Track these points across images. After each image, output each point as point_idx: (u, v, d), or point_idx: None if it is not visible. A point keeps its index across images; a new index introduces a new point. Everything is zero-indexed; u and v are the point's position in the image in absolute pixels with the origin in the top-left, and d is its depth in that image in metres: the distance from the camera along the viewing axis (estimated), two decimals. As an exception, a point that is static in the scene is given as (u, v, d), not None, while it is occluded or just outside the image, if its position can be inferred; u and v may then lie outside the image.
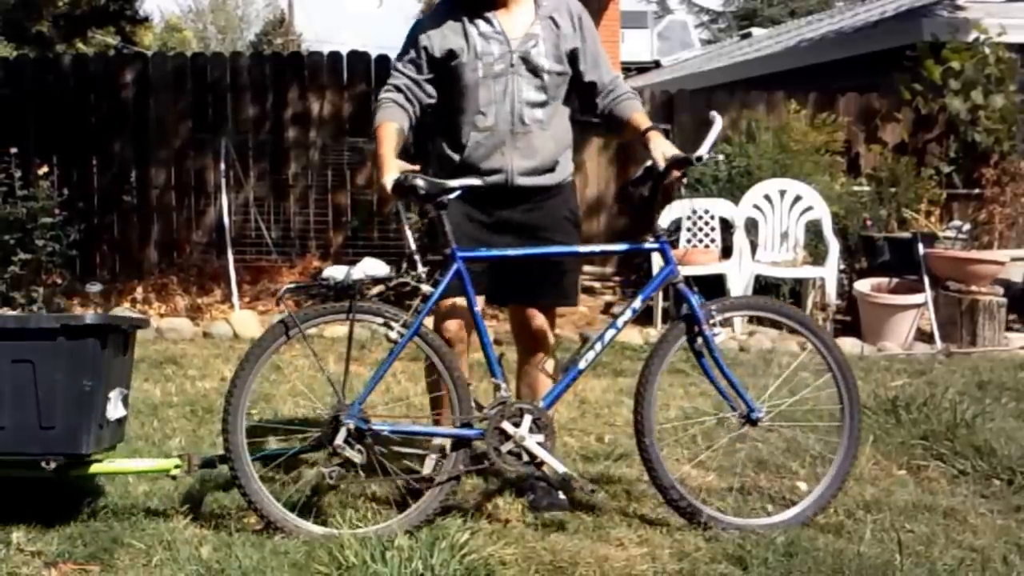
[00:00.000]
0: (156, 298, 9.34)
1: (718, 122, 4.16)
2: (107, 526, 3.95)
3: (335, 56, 10.89)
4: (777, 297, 9.45)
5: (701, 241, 9.35)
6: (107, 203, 10.38)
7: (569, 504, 4.22)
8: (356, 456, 3.87)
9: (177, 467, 4.13)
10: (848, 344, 8.07)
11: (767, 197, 9.32)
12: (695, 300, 4.13)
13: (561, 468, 4.01)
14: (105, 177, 10.40)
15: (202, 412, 5.74)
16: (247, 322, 8.21)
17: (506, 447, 3.94)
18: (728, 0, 37.82)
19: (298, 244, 10.28)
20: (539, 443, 3.95)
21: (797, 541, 3.78)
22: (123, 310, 8.62)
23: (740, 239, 8.98)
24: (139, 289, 9.47)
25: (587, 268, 10.35)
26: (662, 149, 4.08)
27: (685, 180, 4.18)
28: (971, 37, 10.87)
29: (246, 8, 51.19)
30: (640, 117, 4.30)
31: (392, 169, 3.97)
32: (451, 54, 4.13)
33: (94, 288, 9.34)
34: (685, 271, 8.89)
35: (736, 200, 9.38)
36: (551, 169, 4.30)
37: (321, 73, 10.72)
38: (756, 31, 25.83)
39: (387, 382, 6.27)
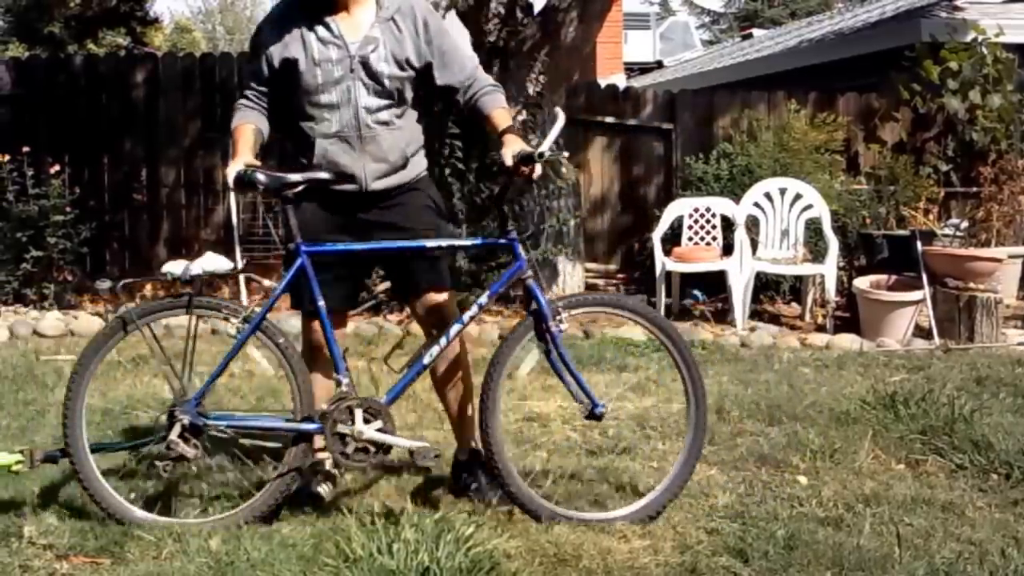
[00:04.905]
0: (165, 295, 9.37)
1: (560, 118, 4.09)
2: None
3: (340, 56, 10.93)
4: (777, 294, 9.56)
5: (703, 239, 9.43)
6: (117, 201, 10.43)
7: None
8: (189, 452, 3.90)
9: (19, 463, 4.21)
10: (847, 340, 8.12)
11: (768, 195, 9.38)
12: (543, 297, 4.06)
13: (407, 443, 4.02)
14: (116, 176, 10.46)
15: (209, 407, 5.78)
16: (253, 319, 8.22)
17: (350, 447, 3.96)
18: (730, 1, 37.73)
19: (304, 242, 10.31)
20: (379, 429, 3.97)
21: (797, 534, 3.83)
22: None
23: (741, 237, 9.03)
24: (148, 286, 9.52)
25: (591, 266, 10.42)
26: (511, 149, 4.05)
27: (535, 176, 4.13)
28: (969, 37, 10.91)
29: (254, 9, 50.95)
30: (500, 115, 4.24)
31: (238, 162, 3.96)
32: (289, 63, 4.08)
33: (104, 285, 9.39)
34: (687, 268, 9.07)
35: (737, 198, 9.44)
36: (403, 167, 4.22)
37: (327, 73, 10.74)
38: (757, 32, 25.79)
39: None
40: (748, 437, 5.27)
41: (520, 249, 4.11)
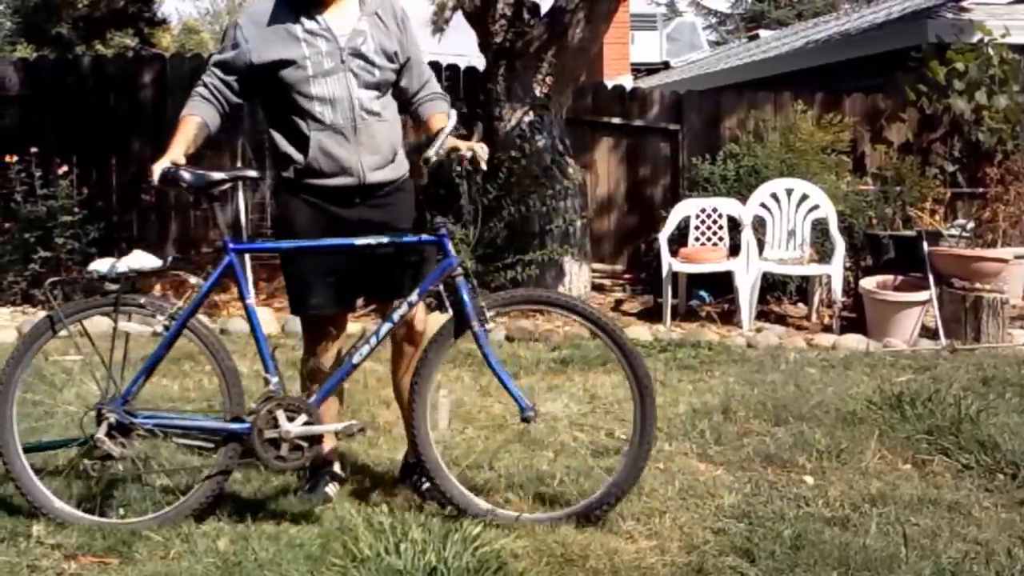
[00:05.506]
0: (174, 295, 9.41)
1: (452, 119, 4.08)
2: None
3: (346, 56, 10.94)
4: (784, 294, 9.56)
5: (709, 240, 9.43)
6: (126, 202, 10.43)
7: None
8: (116, 450, 3.92)
9: None
10: (853, 340, 8.11)
11: (774, 196, 9.39)
12: (468, 297, 4.00)
13: (334, 427, 4.06)
14: (124, 176, 10.42)
15: (219, 407, 5.78)
16: (263, 318, 8.12)
17: (284, 449, 3.94)
18: (736, 2, 37.76)
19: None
20: (305, 423, 3.95)
21: (804, 534, 3.85)
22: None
23: (748, 237, 9.04)
24: (157, 286, 9.54)
25: (597, 267, 10.42)
26: (435, 147, 4.04)
27: (423, 177, 4.14)
28: (975, 38, 10.93)
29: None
30: (437, 119, 4.28)
31: (165, 159, 3.95)
32: (276, 57, 4.08)
33: (112, 286, 9.41)
34: (694, 269, 9.08)
35: (744, 199, 9.45)
36: (392, 160, 4.26)
37: (333, 73, 10.75)
38: (764, 33, 25.79)
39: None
40: (754, 437, 5.28)
41: (450, 246, 4.05)
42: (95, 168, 10.21)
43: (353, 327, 6.79)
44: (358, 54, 4.12)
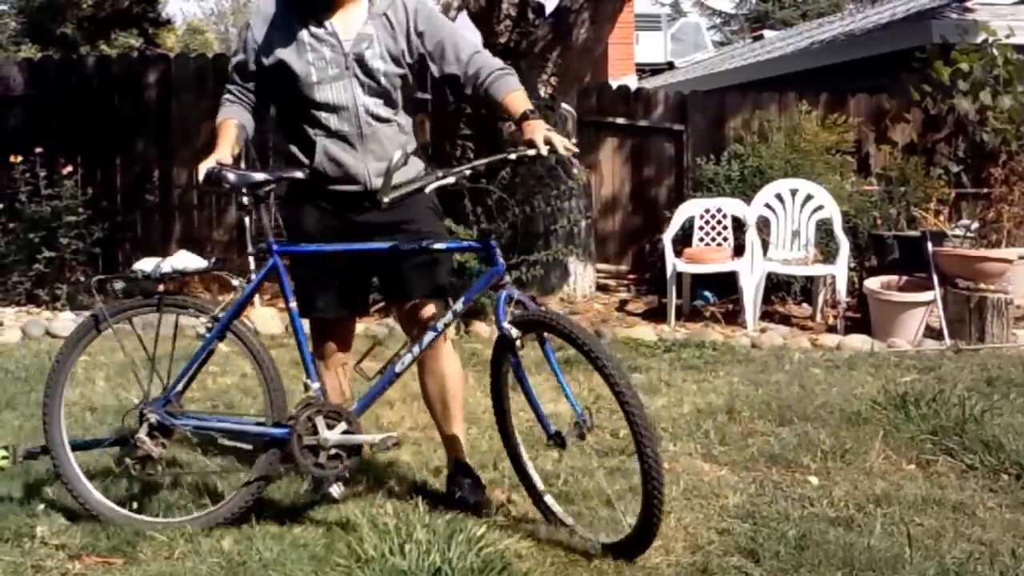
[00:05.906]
0: (178, 295, 9.40)
1: (396, 155, 3.79)
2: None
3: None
4: (788, 295, 9.56)
5: (714, 240, 9.42)
6: (130, 202, 10.42)
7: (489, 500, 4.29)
8: (155, 450, 3.91)
9: (4, 458, 4.35)
10: (858, 341, 8.10)
11: (779, 196, 9.37)
12: (501, 314, 3.85)
13: (371, 438, 3.96)
14: (128, 176, 10.45)
15: (223, 408, 5.79)
16: (267, 319, 8.19)
17: (323, 457, 3.88)
18: (741, 3, 37.75)
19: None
20: (345, 431, 3.89)
21: (808, 534, 3.84)
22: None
23: (752, 237, 9.03)
24: (161, 287, 9.53)
25: (602, 267, 10.42)
26: (539, 135, 3.84)
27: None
28: (980, 39, 10.91)
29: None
30: (514, 99, 4.04)
31: (211, 159, 3.92)
32: (282, 62, 4.03)
33: (116, 286, 9.42)
34: (698, 269, 9.06)
35: (748, 199, 9.44)
36: (404, 164, 3.96)
37: (337, 73, 10.75)
38: (768, 33, 25.79)
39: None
40: (759, 437, 5.27)
41: (498, 253, 3.94)
42: (100, 168, 10.22)
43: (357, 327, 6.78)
44: (362, 61, 4.06)
